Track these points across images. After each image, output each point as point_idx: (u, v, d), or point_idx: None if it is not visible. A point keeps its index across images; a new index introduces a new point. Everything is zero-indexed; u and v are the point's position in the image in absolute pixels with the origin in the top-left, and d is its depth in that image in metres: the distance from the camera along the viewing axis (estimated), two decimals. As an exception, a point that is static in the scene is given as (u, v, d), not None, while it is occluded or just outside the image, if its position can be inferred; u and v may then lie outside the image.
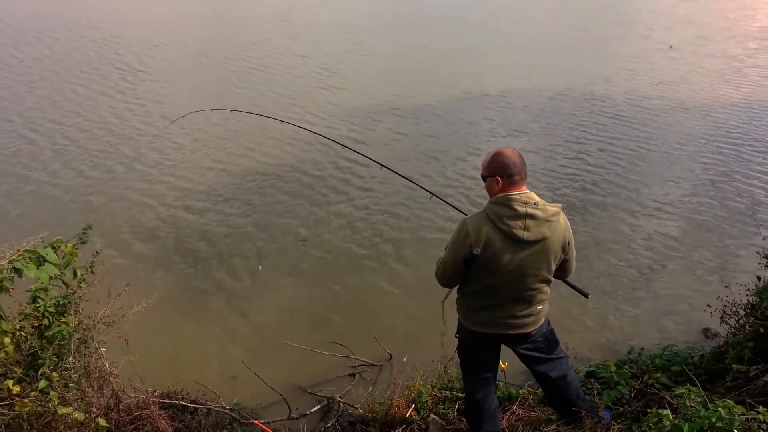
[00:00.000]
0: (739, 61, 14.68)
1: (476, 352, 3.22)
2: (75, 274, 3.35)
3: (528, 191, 2.84)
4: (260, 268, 6.15)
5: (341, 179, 8.18)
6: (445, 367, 4.38)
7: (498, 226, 2.78)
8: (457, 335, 3.29)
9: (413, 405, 3.85)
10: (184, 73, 13.80)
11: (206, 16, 21.41)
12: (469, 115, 10.97)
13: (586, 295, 3.68)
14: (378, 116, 10.79)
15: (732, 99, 11.90)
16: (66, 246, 3.15)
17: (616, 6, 24.22)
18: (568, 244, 2.95)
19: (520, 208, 2.77)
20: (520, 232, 2.76)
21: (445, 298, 5.25)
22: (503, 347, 3.22)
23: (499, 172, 2.83)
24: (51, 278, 3.27)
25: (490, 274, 2.86)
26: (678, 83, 12.87)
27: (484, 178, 2.93)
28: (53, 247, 3.02)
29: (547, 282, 2.98)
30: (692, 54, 15.44)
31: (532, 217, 2.77)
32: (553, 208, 2.85)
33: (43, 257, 2.86)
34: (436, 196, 4.98)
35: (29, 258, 2.81)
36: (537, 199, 2.82)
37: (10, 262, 2.71)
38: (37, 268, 2.80)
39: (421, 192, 7.33)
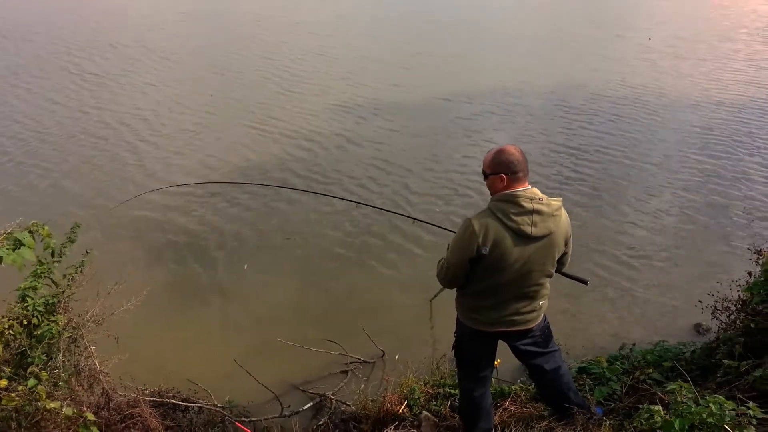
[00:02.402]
0: (727, 60, 14.78)
1: (475, 350, 3.21)
2: (53, 254, 3.32)
3: (530, 187, 2.84)
4: (246, 267, 6.10)
5: (328, 177, 8.16)
6: (437, 363, 4.37)
7: (506, 223, 2.76)
8: (455, 334, 3.27)
9: (405, 402, 3.84)
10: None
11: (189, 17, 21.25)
12: (444, 119, 10.69)
13: (585, 282, 3.67)
14: (341, 120, 10.54)
15: (719, 98, 11.94)
16: (43, 229, 3.10)
17: (596, 7, 24.28)
18: (569, 237, 2.98)
19: (527, 204, 2.76)
20: (528, 228, 2.76)
21: (434, 297, 5.25)
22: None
23: (504, 169, 2.81)
24: (41, 276, 3.25)
25: (498, 272, 2.84)
26: (663, 82, 12.91)
27: (486, 175, 2.91)
28: (30, 232, 2.98)
29: (550, 276, 2.99)
30: (675, 54, 15.50)
31: (538, 212, 2.77)
32: (556, 202, 2.86)
33: (20, 241, 2.81)
34: (418, 220, 5.24)
35: (6, 245, 2.77)
36: (540, 194, 2.82)
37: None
38: (13, 251, 2.75)
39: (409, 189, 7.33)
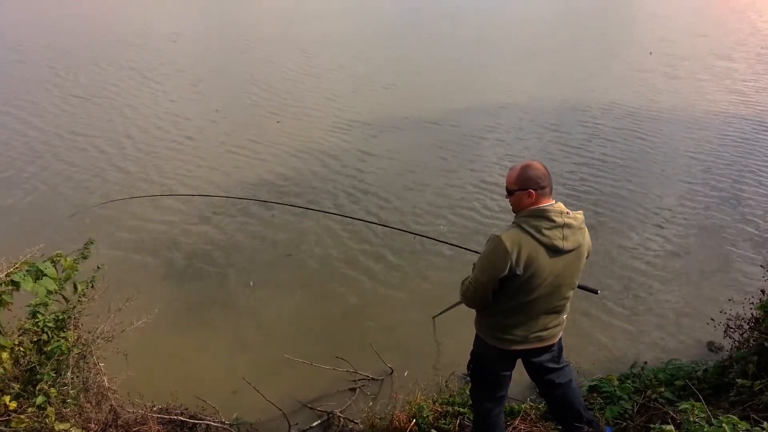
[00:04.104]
0: (729, 80, 14.71)
1: (498, 370, 3.14)
2: (75, 288, 3.34)
3: (555, 201, 2.83)
4: (252, 283, 6.09)
5: (331, 194, 8.13)
6: (446, 381, 4.34)
7: (538, 239, 2.73)
8: (473, 354, 3.22)
9: (414, 420, 3.81)
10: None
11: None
12: (432, 141, 10.32)
13: (595, 292, 3.64)
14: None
15: (736, 112, 11.92)
16: (66, 260, 3.14)
17: (595, 23, 24.31)
18: (590, 248, 2.96)
19: (558, 219, 2.75)
20: (560, 242, 2.74)
21: (439, 314, 5.22)
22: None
23: (533, 185, 2.79)
24: (50, 293, 3.28)
25: (530, 290, 2.79)
26: (661, 101, 12.81)
27: (511, 192, 2.87)
28: (53, 261, 3.01)
29: (574, 288, 2.97)
30: (674, 73, 15.40)
31: (569, 226, 2.77)
32: (580, 215, 2.86)
33: (42, 271, 2.84)
34: (419, 235, 5.20)
35: (27, 271, 2.80)
36: (565, 208, 2.82)
37: (8, 274, 2.71)
38: (34, 282, 2.78)
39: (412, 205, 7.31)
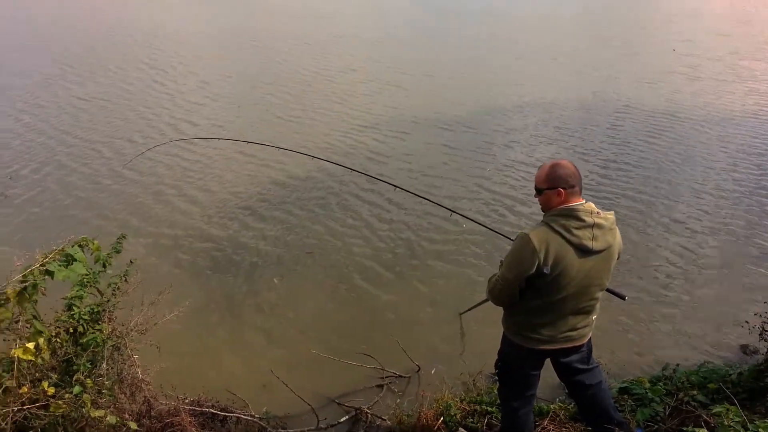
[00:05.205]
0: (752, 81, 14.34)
1: (526, 370, 3.13)
2: (104, 266, 3.42)
3: (585, 201, 2.80)
4: (276, 280, 6.15)
5: (356, 195, 8.13)
6: (474, 380, 4.33)
7: (567, 238, 2.71)
8: (500, 353, 3.21)
9: (441, 418, 3.81)
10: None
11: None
12: (444, 146, 10.11)
13: (623, 297, 3.61)
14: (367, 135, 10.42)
15: (758, 113, 11.66)
16: (93, 244, 3.20)
17: (630, 16, 23.84)
18: (621, 250, 2.93)
19: (588, 218, 2.72)
20: (589, 243, 2.72)
21: (466, 311, 5.20)
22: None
23: (562, 184, 2.77)
24: (84, 286, 3.35)
25: (558, 289, 2.77)
26: (673, 101, 12.59)
27: (541, 191, 2.85)
28: (80, 246, 3.08)
29: (603, 290, 2.94)
30: (694, 74, 15.07)
31: (599, 226, 2.74)
32: (611, 215, 2.83)
33: (71, 256, 2.91)
34: (456, 213, 4.88)
35: (59, 260, 2.87)
36: (596, 208, 2.78)
37: (42, 264, 2.78)
38: (66, 268, 2.84)
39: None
